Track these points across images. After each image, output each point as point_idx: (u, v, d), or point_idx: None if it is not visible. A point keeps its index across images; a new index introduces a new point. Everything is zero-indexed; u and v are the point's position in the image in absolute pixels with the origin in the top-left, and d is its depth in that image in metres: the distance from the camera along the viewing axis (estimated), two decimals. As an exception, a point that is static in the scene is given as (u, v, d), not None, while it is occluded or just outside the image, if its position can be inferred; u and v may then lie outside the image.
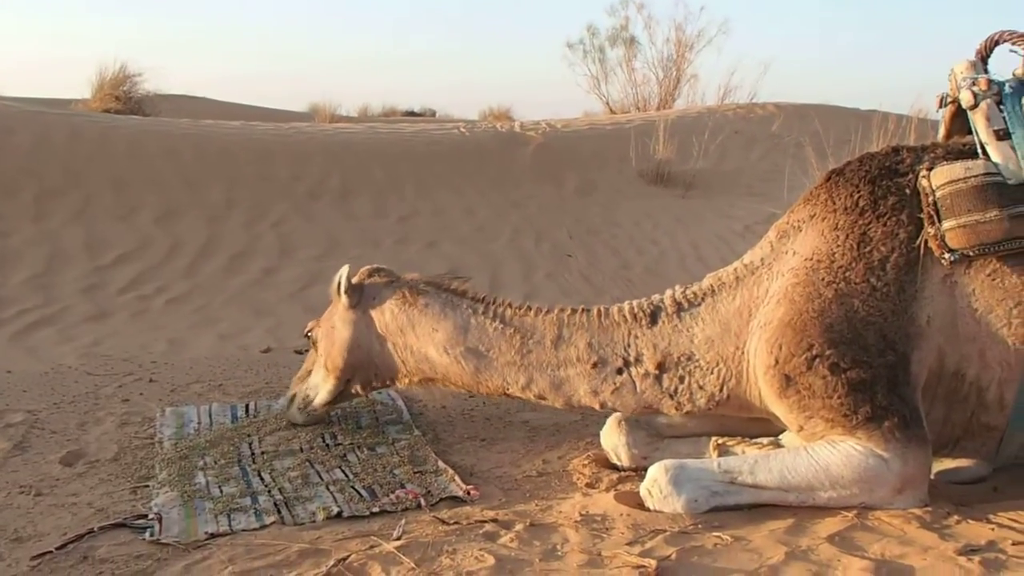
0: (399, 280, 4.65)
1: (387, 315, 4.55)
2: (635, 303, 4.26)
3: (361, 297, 4.62)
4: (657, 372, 4.11)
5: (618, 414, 4.38)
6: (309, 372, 4.94)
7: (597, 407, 4.26)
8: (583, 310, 4.30)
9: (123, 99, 18.19)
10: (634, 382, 4.14)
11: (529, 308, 4.38)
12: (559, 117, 17.23)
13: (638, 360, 4.14)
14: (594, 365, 4.18)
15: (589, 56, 25.18)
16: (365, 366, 4.67)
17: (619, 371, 4.16)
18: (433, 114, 35.87)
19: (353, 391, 4.80)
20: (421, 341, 4.48)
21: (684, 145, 14.08)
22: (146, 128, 12.62)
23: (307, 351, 5.10)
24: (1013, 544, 3.42)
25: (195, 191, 10.70)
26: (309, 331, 4.92)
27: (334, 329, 4.68)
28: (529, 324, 4.32)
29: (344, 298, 4.60)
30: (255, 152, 11.91)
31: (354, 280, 4.66)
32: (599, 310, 4.28)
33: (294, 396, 5.00)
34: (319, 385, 4.84)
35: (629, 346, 4.16)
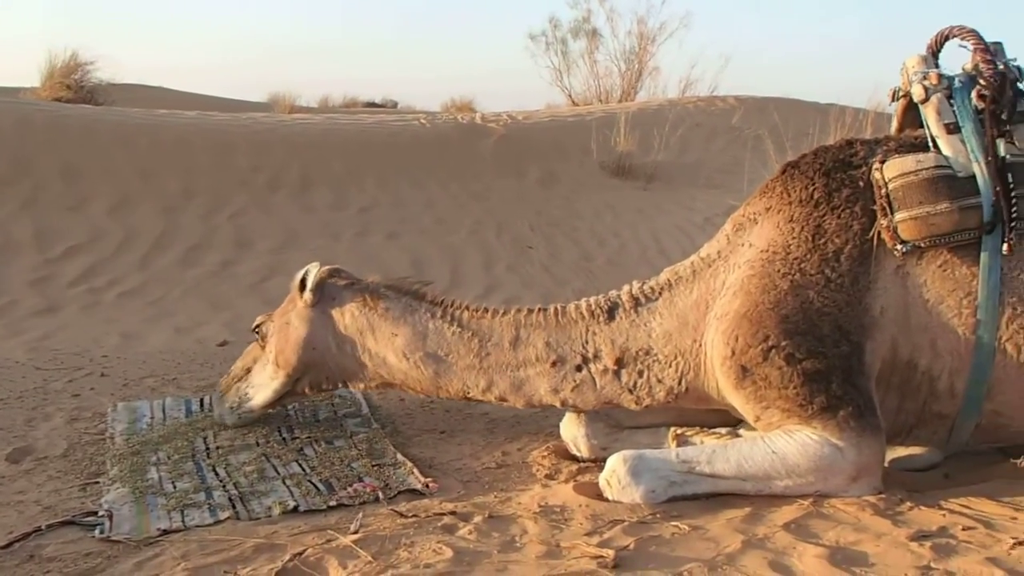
0: (359, 282, 4.60)
1: (347, 317, 4.50)
2: (592, 300, 4.28)
3: (321, 296, 4.56)
4: (616, 368, 4.13)
5: (577, 406, 4.39)
6: (247, 370, 4.83)
7: (558, 405, 4.27)
8: (540, 309, 4.31)
9: (74, 88, 17.75)
10: (594, 378, 4.15)
11: (486, 310, 4.38)
12: (521, 109, 17.20)
13: (596, 356, 4.15)
14: (553, 364, 4.19)
15: (551, 48, 25.13)
16: (318, 366, 4.60)
17: (578, 368, 4.17)
18: (395, 105, 35.68)
19: (300, 390, 4.69)
20: (380, 345, 4.44)
21: (645, 137, 14.10)
22: (99, 117, 12.44)
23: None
24: (963, 529, 3.48)
25: (150, 181, 10.55)
26: (259, 325, 4.79)
27: (289, 325, 4.60)
28: (486, 327, 4.31)
29: (308, 295, 4.54)
30: (212, 142, 11.77)
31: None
32: (556, 308, 4.29)
33: (225, 395, 4.88)
34: (264, 383, 4.72)
35: (587, 343, 4.17)
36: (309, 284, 4.54)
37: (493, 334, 4.29)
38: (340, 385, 4.68)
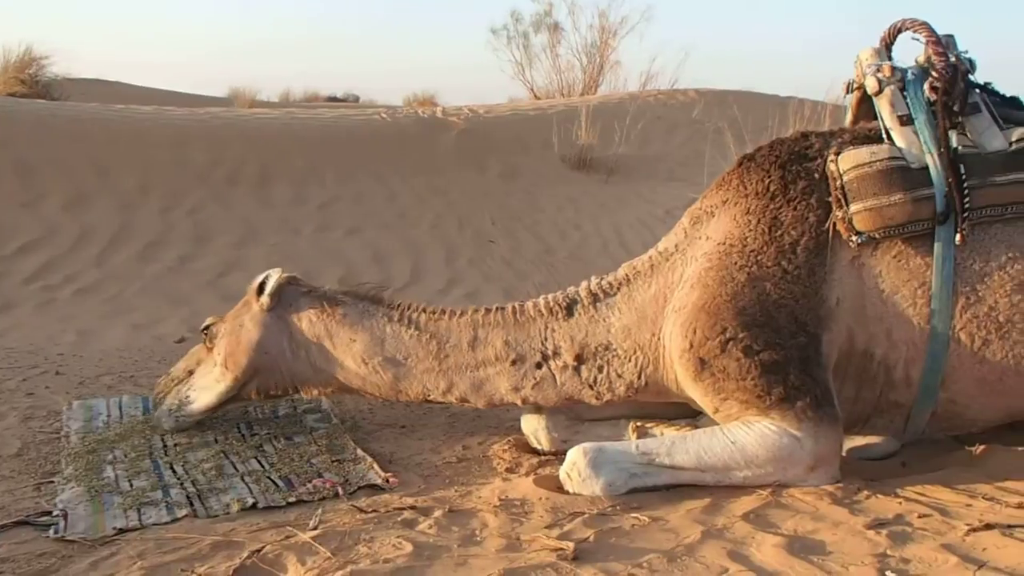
0: (316, 290, 4.57)
1: (304, 323, 4.47)
2: (550, 296, 4.28)
3: (278, 302, 4.52)
4: (576, 364, 4.14)
5: (537, 399, 4.39)
6: (189, 372, 4.75)
7: (519, 403, 4.28)
8: (497, 308, 4.31)
9: (29, 83, 17.41)
10: (554, 375, 4.17)
11: (443, 312, 4.37)
12: (483, 103, 17.17)
13: (556, 353, 4.16)
14: (513, 362, 4.20)
15: (513, 42, 25.09)
16: (269, 371, 4.53)
17: (538, 366, 4.18)
18: (356, 100, 35.52)
19: (246, 395, 4.62)
20: (339, 351, 4.41)
21: (606, 130, 14.11)
22: (53, 111, 12.24)
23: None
24: (919, 517, 3.52)
25: (106, 177, 10.37)
26: (208, 326, 4.70)
27: (243, 328, 4.53)
28: (444, 328, 4.30)
29: (266, 299, 4.49)
30: (170, 137, 11.62)
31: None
32: (513, 307, 4.29)
33: (163, 397, 4.78)
34: (208, 386, 4.63)
35: (546, 340, 4.18)
36: (268, 288, 4.50)
37: (451, 335, 4.28)
38: (291, 391, 4.62)
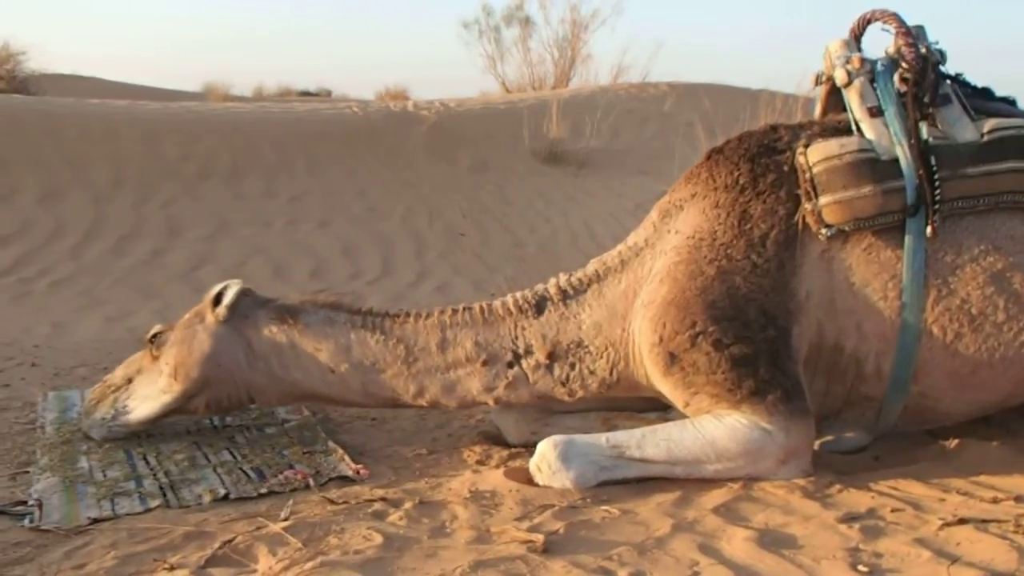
0: (273, 301, 4.45)
1: (264, 335, 4.33)
2: (519, 295, 4.24)
3: (234, 313, 4.36)
4: (548, 362, 4.11)
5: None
6: (129, 380, 4.54)
7: (492, 403, 4.24)
8: (465, 308, 4.25)
9: (6, 78, 17.63)
10: (526, 374, 4.13)
11: (408, 315, 4.29)
12: (455, 96, 17.15)
13: (528, 352, 4.13)
14: (484, 363, 4.15)
15: (484, 36, 25.05)
16: (221, 383, 4.36)
17: (510, 365, 4.14)
18: (329, 94, 35.45)
19: (193, 408, 4.43)
20: (303, 361, 4.29)
21: (577, 124, 14.11)
22: (25, 106, 12.26)
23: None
24: (892, 511, 3.51)
25: (79, 171, 10.43)
26: (156, 334, 4.50)
27: (195, 339, 4.35)
28: (411, 331, 4.23)
29: (222, 311, 4.33)
30: (142, 131, 11.63)
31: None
32: (481, 307, 4.24)
33: (97, 404, 4.55)
34: (151, 396, 4.43)
35: (517, 339, 4.14)
36: (226, 300, 4.34)
37: (419, 338, 4.21)
38: (245, 403, 4.49)
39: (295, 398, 4.52)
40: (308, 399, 4.55)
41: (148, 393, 4.44)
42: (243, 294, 4.41)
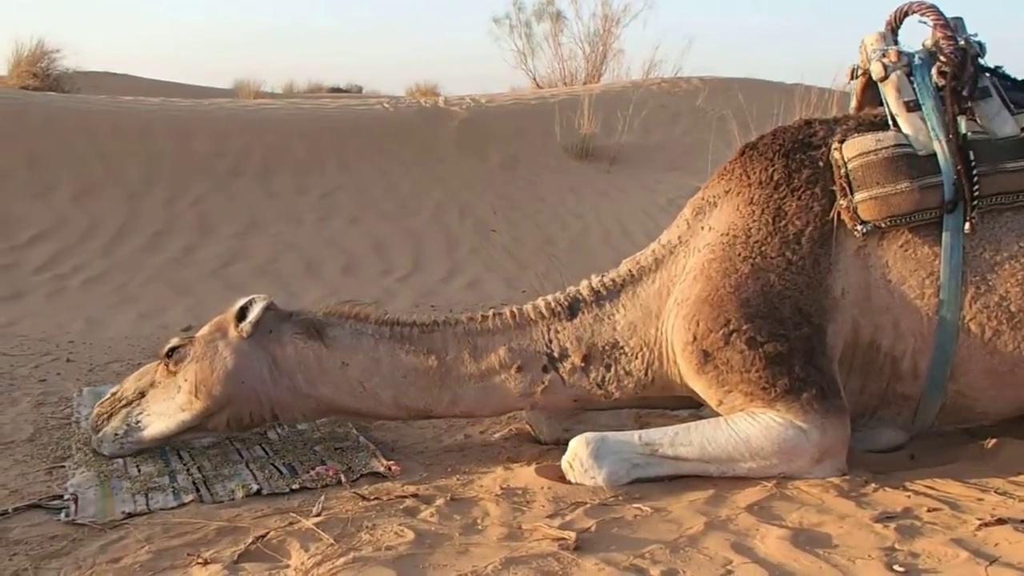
0: (297, 314, 4.29)
1: (289, 351, 4.17)
2: (550, 297, 4.18)
3: (257, 328, 4.20)
4: (584, 365, 4.05)
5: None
6: (141, 394, 4.32)
7: (529, 408, 4.23)
8: (495, 314, 4.18)
9: (41, 76, 17.82)
10: (562, 378, 4.07)
11: (437, 324, 4.19)
12: (485, 92, 17.17)
13: (563, 355, 4.07)
14: (519, 369, 4.08)
15: (515, 31, 25.10)
16: (244, 400, 4.18)
17: (545, 369, 4.08)
18: (359, 90, 35.56)
19: (211, 427, 4.26)
20: (331, 376, 4.16)
21: (609, 119, 14.08)
22: (62, 104, 12.38)
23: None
24: (928, 511, 3.46)
25: (113, 169, 10.54)
26: (174, 348, 4.28)
27: (217, 356, 4.17)
28: (440, 341, 4.14)
29: (247, 326, 4.16)
30: (175, 129, 11.73)
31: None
32: (512, 311, 4.17)
33: (107, 419, 4.33)
34: (167, 413, 4.22)
35: (551, 342, 4.09)
36: (251, 316, 4.18)
37: (450, 348, 4.12)
38: (268, 420, 4.31)
39: (321, 413, 4.38)
40: (335, 414, 4.44)
41: (164, 409, 4.25)
42: (270, 307, 4.26)
